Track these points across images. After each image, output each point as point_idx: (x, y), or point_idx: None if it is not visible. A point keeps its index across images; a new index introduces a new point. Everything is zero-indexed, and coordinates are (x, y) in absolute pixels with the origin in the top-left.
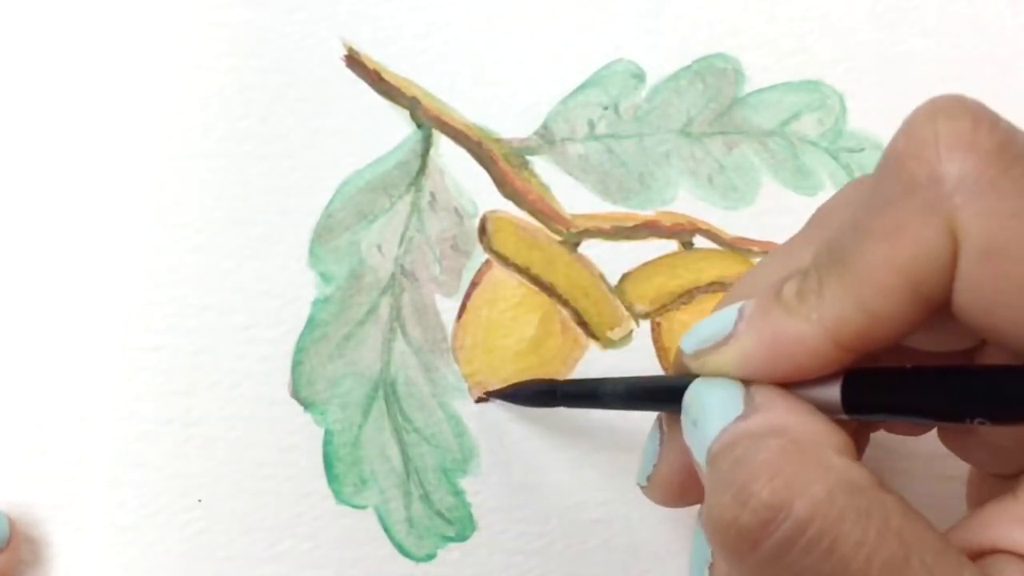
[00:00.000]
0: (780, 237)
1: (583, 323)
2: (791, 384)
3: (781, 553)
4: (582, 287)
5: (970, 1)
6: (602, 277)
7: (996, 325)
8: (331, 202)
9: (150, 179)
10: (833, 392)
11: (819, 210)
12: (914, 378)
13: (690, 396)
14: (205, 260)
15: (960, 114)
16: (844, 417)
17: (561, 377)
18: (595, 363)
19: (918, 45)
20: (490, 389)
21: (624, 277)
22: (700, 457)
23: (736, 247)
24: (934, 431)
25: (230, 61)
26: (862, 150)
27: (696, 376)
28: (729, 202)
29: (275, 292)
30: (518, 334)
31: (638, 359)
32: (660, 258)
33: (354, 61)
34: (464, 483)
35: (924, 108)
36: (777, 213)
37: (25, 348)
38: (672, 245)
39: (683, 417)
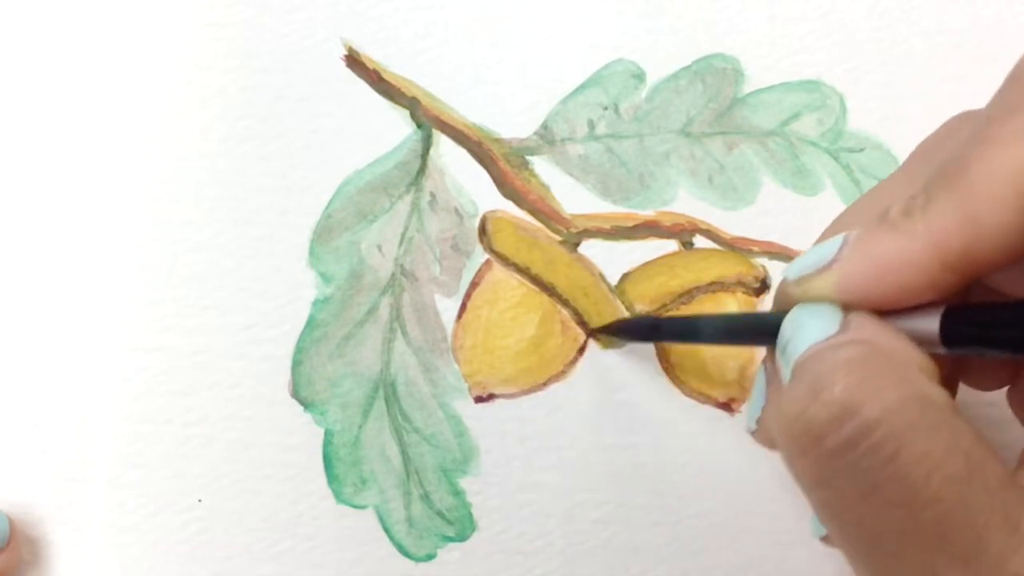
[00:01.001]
0: (780, 237)
1: (583, 323)
2: (891, 313)
3: (843, 451)
4: (582, 287)
5: (970, 1)
6: (602, 277)
7: None
8: (331, 202)
9: (150, 179)
10: (932, 324)
11: (919, 146)
12: (1014, 311)
13: (787, 322)
14: (205, 260)
15: None
16: (941, 351)
17: (561, 377)
18: (595, 363)
19: (918, 45)
20: (491, 389)
21: (624, 277)
22: (786, 375)
23: (736, 247)
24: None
25: (230, 61)
26: (862, 150)
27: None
28: (729, 202)
29: (275, 292)
30: (518, 334)
31: (638, 359)
32: (660, 258)
33: (354, 61)
34: (464, 483)
35: None
36: (777, 213)
37: (25, 348)
38: (672, 245)
39: (777, 343)
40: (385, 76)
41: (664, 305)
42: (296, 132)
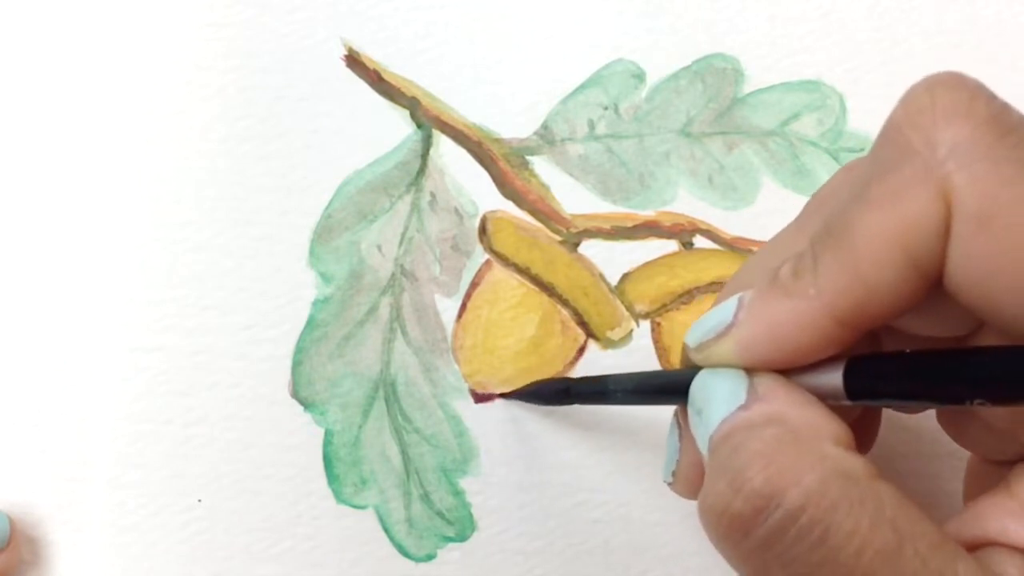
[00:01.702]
0: None
1: (583, 323)
2: (794, 371)
3: (772, 541)
4: (582, 287)
5: (970, 1)
6: (602, 277)
7: (988, 296)
8: (331, 202)
9: (150, 179)
10: (835, 378)
11: (814, 197)
12: (915, 362)
13: (695, 387)
14: (205, 260)
15: (957, 86)
16: (847, 403)
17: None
18: (595, 363)
19: (918, 45)
20: (491, 389)
21: (624, 277)
22: (703, 447)
23: (736, 247)
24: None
25: (230, 61)
26: (862, 150)
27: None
28: (729, 202)
29: (275, 292)
30: (518, 334)
31: (638, 359)
32: (660, 258)
33: (354, 61)
34: (464, 483)
35: (923, 81)
36: (777, 213)
37: (25, 348)
38: (672, 245)
39: (688, 408)
40: (385, 76)
41: (664, 305)
42: (296, 132)
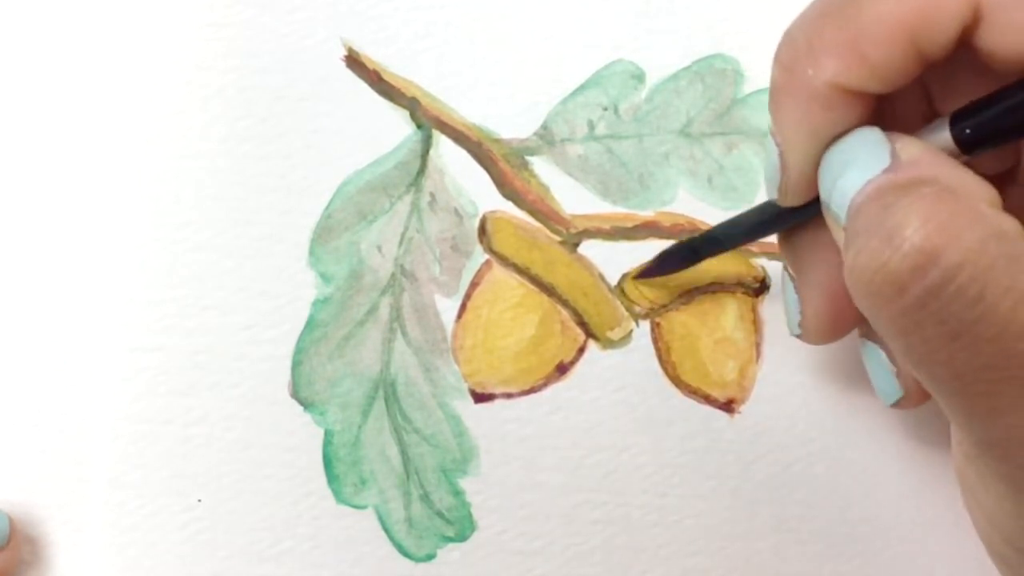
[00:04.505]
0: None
1: (583, 323)
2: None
3: (929, 299)
4: (582, 287)
5: None
6: (602, 277)
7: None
8: (331, 202)
9: (150, 179)
10: (943, 138)
11: None
12: (1012, 95)
13: (831, 157)
14: (205, 260)
15: None
16: (965, 159)
17: (561, 377)
18: (595, 363)
19: None
20: (491, 389)
21: (624, 277)
22: (841, 215)
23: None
24: None
25: (230, 61)
26: None
27: None
28: (729, 202)
29: (275, 292)
30: (518, 334)
31: (638, 359)
32: None
33: (354, 61)
34: (464, 483)
35: None
36: None
37: (25, 348)
38: None
39: (821, 181)
40: (385, 76)
41: (664, 305)
42: (296, 132)
